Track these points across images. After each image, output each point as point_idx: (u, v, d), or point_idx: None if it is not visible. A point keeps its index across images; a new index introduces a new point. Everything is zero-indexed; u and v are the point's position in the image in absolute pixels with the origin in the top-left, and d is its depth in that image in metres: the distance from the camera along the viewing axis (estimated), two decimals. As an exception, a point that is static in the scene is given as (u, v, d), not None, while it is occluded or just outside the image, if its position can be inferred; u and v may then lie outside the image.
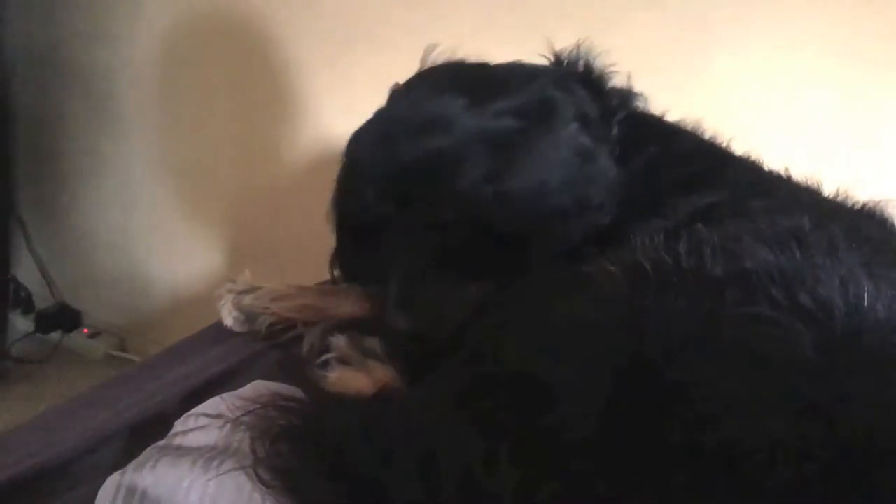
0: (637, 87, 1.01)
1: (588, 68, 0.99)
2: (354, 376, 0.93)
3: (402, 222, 0.91)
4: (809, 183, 0.90)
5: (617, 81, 1.01)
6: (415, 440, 0.68)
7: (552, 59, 1.03)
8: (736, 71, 1.33)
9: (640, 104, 1.01)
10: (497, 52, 0.99)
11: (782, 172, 0.93)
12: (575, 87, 0.96)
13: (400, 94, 0.97)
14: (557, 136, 0.89)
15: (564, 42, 1.01)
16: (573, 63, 1.00)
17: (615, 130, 0.95)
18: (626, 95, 1.00)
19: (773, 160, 0.95)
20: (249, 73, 1.86)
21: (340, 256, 1.08)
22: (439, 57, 1.01)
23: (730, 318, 0.58)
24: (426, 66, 1.01)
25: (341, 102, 1.74)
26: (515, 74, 0.94)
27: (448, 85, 0.91)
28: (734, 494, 0.51)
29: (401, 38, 1.60)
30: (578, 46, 1.00)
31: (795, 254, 0.63)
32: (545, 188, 0.87)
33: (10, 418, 2.00)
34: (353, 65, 1.70)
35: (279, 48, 1.80)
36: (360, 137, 0.97)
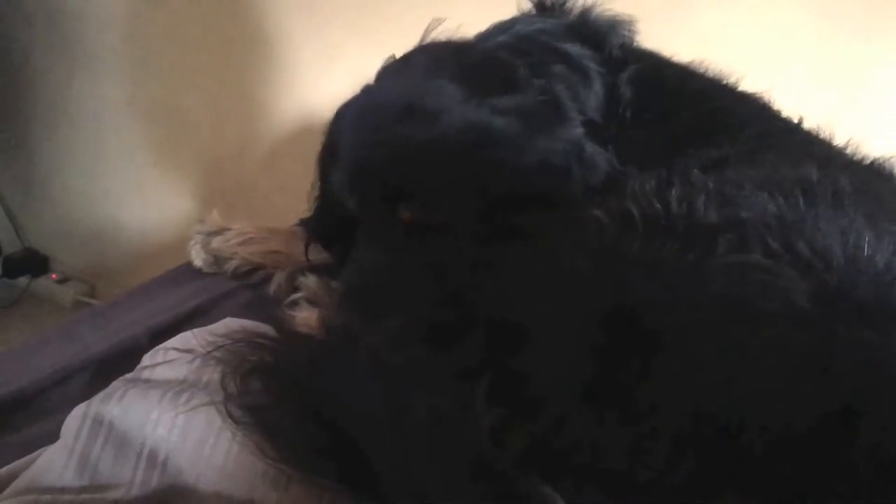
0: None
1: (583, 16, 0.95)
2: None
3: (366, 219, 0.88)
4: (821, 134, 0.89)
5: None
6: (384, 384, 0.67)
7: (535, 3, 0.99)
8: (721, 24, 1.31)
9: (636, 39, 0.98)
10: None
11: (795, 120, 0.91)
12: (573, 48, 0.90)
13: (393, 71, 0.90)
14: (557, 140, 0.82)
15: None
16: (559, 8, 0.96)
17: (623, 90, 0.90)
18: (626, 41, 0.96)
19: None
20: (224, 16, 1.80)
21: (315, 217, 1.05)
22: (442, 34, 0.93)
23: (719, 265, 0.57)
24: (426, 42, 0.94)
25: (319, 48, 1.69)
26: (521, 62, 0.86)
27: (446, 69, 0.84)
28: (715, 444, 0.51)
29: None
30: None
31: (799, 203, 0.62)
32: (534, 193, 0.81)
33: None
34: (334, 9, 1.63)
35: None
36: (344, 114, 0.91)
